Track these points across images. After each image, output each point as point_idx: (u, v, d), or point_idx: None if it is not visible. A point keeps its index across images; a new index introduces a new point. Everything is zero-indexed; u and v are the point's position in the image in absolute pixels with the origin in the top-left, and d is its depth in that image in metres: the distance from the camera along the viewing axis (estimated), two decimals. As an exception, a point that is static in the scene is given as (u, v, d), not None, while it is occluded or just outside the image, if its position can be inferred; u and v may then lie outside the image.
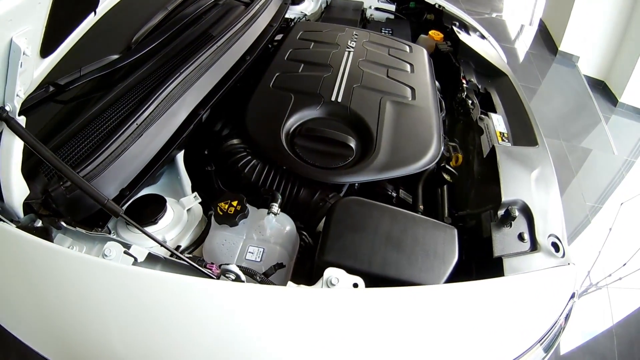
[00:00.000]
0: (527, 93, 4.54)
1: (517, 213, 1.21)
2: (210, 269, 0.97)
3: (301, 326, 0.92)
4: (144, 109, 1.19)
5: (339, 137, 1.44)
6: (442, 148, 1.55)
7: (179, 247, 1.15)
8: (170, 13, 1.75)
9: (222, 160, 1.42)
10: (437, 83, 2.11)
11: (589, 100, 4.61)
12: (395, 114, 1.59)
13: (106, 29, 1.43)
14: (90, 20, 1.18)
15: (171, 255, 1.00)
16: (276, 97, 1.58)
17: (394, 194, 1.44)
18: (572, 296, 1.24)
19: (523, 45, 5.46)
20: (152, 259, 1.00)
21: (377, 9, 2.81)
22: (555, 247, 1.26)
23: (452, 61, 2.19)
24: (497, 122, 1.77)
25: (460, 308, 1.03)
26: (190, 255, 1.06)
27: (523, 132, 1.73)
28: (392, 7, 2.78)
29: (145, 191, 1.25)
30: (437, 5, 2.61)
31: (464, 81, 2.01)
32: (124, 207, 1.12)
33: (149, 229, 1.07)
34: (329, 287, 0.97)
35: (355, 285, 0.99)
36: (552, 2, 5.66)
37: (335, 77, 1.71)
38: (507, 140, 1.67)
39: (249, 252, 1.14)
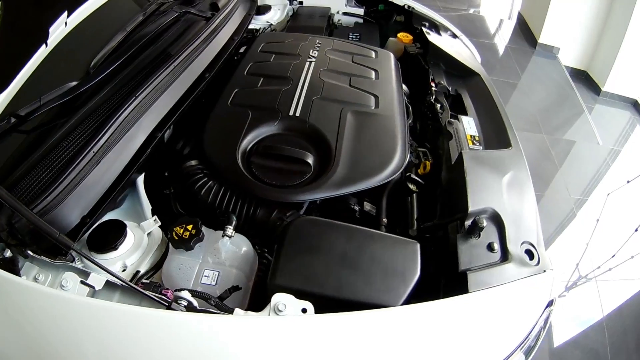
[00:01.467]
0: (507, 88, 4.58)
1: (485, 223, 1.15)
2: (165, 295, 0.97)
3: (245, 356, 0.90)
4: (100, 136, 1.18)
5: (295, 154, 1.39)
6: (408, 156, 1.49)
7: (138, 272, 1.14)
8: (129, 34, 1.70)
9: (181, 182, 1.39)
10: (405, 87, 2.05)
11: (571, 90, 4.58)
12: (357, 124, 1.52)
13: (65, 55, 1.49)
14: (42, 52, 1.27)
15: (131, 280, 1.04)
16: (234, 115, 1.53)
17: (357, 208, 1.39)
18: (550, 303, 1.17)
19: (502, 40, 5.42)
20: (110, 287, 1.02)
21: (345, 13, 2.74)
22: (530, 254, 1.20)
23: (421, 64, 2.12)
24: (468, 125, 1.70)
25: (421, 330, 0.98)
26: (148, 282, 1.08)
27: (496, 134, 1.67)
28: (361, 11, 2.72)
29: (108, 216, 1.23)
30: (406, 6, 2.55)
31: (432, 84, 1.95)
32: (87, 234, 1.12)
33: (110, 255, 1.10)
34: (276, 313, 0.94)
35: (304, 311, 0.95)
36: (528, -5, 5.64)
37: (294, 90, 1.65)
38: (478, 144, 1.61)
39: (205, 275, 1.13)
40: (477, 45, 5.10)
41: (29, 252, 1.02)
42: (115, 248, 1.10)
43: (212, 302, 1.02)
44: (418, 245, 1.14)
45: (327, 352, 0.91)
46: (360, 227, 1.17)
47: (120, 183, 1.21)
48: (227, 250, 1.17)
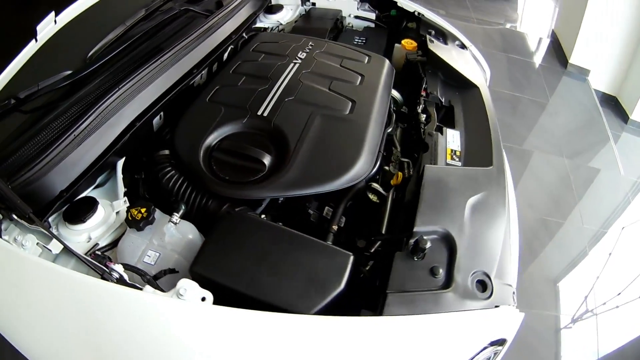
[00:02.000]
0: (533, 107, 4.38)
1: (428, 244, 1.06)
2: (108, 266, 1.05)
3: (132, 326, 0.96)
4: (82, 121, 1.30)
5: (251, 152, 1.42)
6: (377, 165, 1.45)
7: (97, 244, 1.25)
8: (129, 29, 1.81)
9: (150, 168, 1.49)
10: (397, 95, 1.97)
11: (599, 116, 4.32)
12: (323, 128, 1.50)
13: (66, 45, 1.66)
14: (32, 47, 1.49)
15: (88, 253, 1.17)
16: (208, 111, 1.58)
17: (312, 212, 1.40)
18: (498, 342, 1.06)
19: (534, 58, 5.20)
20: (67, 254, 1.13)
21: (356, 17, 2.67)
22: (482, 286, 1.09)
23: (419, 72, 2.02)
24: (452, 139, 1.60)
25: (315, 344, 0.93)
26: (99, 253, 1.19)
27: (480, 151, 1.55)
28: (372, 16, 2.64)
29: (93, 193, 1.38)
30: (416, 13, 2.44)
31: (424, 93, 1.85)
32: (64, 207, 1.27)
33: (79, 226, 1.23)
34: (178, 297, 0.97)
35: (203, 299, 0.98)
36: (564, 12, 5.37)
37: (269, 90, 1.66)
38: (457, 159, 1.51)
39: (147, 255, 1.22)
40: (508, 62, 4.99)
41: (14, 215, 1.16)
42: (83, 221, 1.23)
43: (145, 278, 1.10)
44: (351, 258, 1.11)
45: (209, 342, 0.92)
46: (294, 232, 1.17)
47: (97, 164, 1.32)
48: (171, 235, 1.25)
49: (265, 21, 2.62)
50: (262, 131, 1.50)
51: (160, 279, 1.14)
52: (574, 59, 4.76)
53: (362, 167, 1.39)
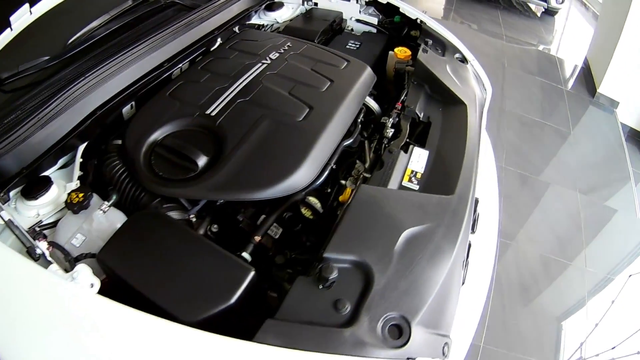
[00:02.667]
0: (554, 135, 4.10)
1: (334, 274, 0.91)
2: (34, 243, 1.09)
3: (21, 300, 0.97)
4: (47, 105, 1.38)
5: (186, 151, 1.39)
6: (320, 178, 1.35)
7: (40, 221, 1.31)
8: (113, 18, 1.85)
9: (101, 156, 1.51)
10: (374, 105, 1.80)
11: (622, 152, 4.00)
12: (269, 133, 1.42)
13: (47, 32, 1.71)
14: (6, 35, 1.53)
15: (30, 228, 1.25)
16: (164, 105, 1.56)
17: (241, 218, 1.35)
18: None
19: (562, 84, 4.90)
20: (8, 229, 1.14)
21: (357, 20, 2.51)
22: (397, 331, 0.92)
23: (404, 82, 1.86)
24: (417, 159, 1.42)
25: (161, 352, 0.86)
26: (38, 229, 1.27)
27: (446, 176, 1.37)
28: (374, 20, 2.47)
29: (57, 174, 1.45)
30: (418, 20, 2.27)
31: (399, 105, 1.68)
32: (24, 183, 1.32)
33: (32, 202, 1.29)
34: (72, 279, 0.99)
35: (91, 286, 1.00)
36: (598, 39, 5.04)
37: (226, 90, 1.60)
38: (415, 182, 1.33)
39: (75, 237, 1.27)
40: (534, 85, 4.71)
41: None
42: (35, 198, 1.29)
43: (66, 258, 1.17)
44: (250, 274, 1.05)
45: (75, 326, 0.90)
46: (200, 237, 1.16)
47: (57, 146, 1.37)
48: (99, 222, 1.30)
49: (265, 18, 2.52)
50: (206, 130, 1.45)
51: (81, 261, 1.17)
52: (603, 89, 4.44)
53: (300, 178, 1.29)
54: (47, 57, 1.59)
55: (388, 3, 2.38)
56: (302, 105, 1.53)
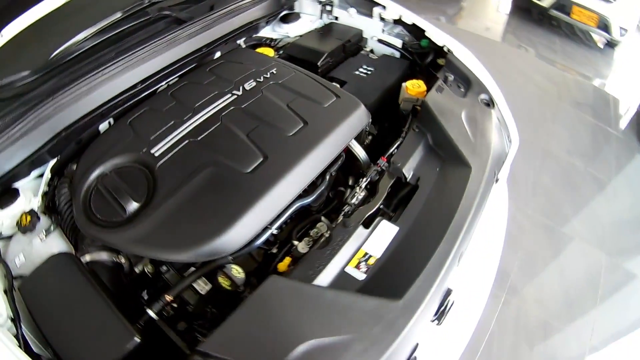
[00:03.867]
0: (591, 183, 3.67)
1: None
2: None
3: None
4: (18, 122, 1.37)
5: (118, 194, 1.30)
6: (255, 242, 1.22)
7: (0, 233, 1.34)
8: (100, 32, 1.72)
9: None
10: (360, 153, 1.55)
11: (663, 214, 3.53)
12: (207, 185, 1.25)
13: (31, 44, 1.62)
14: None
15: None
16: (120, 134, 1.47)
17: (165, 269, 1.25)
18: None
19: (612, 126, 4.40)
20: None
21: (379, 40, 2.23)
22: None
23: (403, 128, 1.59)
24: (380, 237, 1.18)
25: None
26: None
27: (405, 270, 1.11)
28: (398, 42, 2.18)
29: (31, 184, 1.49)
30: (445, 49, 1.96)
31: (383, 160, 1.42)
32: None
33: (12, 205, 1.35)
34: None
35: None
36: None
37: (180, 125, 1.45)
38: (362, 270, 1.12)
39: (18, 257, 1.30)
40: (580, 122, 4.27)
41: None
42: (1, 208, 1.33)
43: (7, 276, 1.18)
44: (132, 341, 1.01)
45: None
46: (96, 293, 1.11)
47: (26, 161, 1.38)
48: (37, 249, 1.31)
49: (279, 31, 2.29)
50: (148, 170, 1.33)
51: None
52: (655, 140, 3.95)
53: (227, 241, 1.13)
54: (28, 72, 1.54)
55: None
56: (255, 153, 1.32)
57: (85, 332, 1.04)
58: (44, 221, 1.38)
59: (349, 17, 2.26)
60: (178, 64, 1.77)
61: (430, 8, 6.06)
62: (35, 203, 1.42)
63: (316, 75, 1.75)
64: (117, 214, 1.24)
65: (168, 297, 1.14)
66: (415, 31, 2.12)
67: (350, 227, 1.19)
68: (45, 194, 1.46)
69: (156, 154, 1.36)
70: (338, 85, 1.82)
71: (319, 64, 2.00)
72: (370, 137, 1.81)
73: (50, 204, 1.44)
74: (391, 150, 1.54)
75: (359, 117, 1.59)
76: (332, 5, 2.27)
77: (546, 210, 3.28)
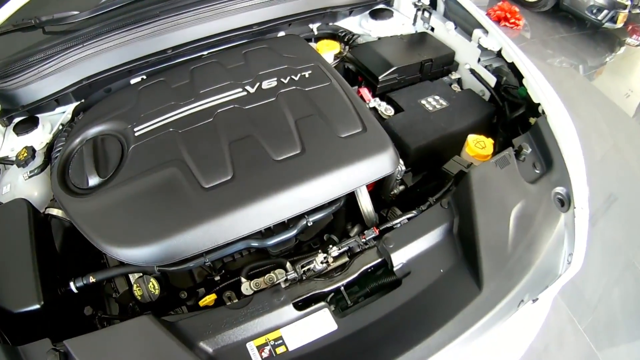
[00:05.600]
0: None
1: None
2: None
3: None
4: (49, 60, 1.45)
5: (86, 163, 1.24)
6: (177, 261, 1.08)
7: (7, 157, 1.41)
8: None
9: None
10: (366, 208, 1.26)
11: None
12: (162, 186, 1.12)
13: None
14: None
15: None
16: (125, 100, 1.40)
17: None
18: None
19: None
20: None
21: (471, 70, 1.73)
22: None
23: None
24: (311, 325, 0.86)
25: None
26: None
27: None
28: (492, 80, 1.66)
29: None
30: (540, 110, 1.43)
31: (375, 232, 1.06)
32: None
33: (15, 137, 1.45)
34: None
35: None
36: None
37: (174, 109, 1.30)
38: (267, 354, 0.88)
39: (6, 186, 1.33)
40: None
41: None
42: (17, 134, 1.45)
43: None
44: (34, 305, 0.97)
45: None
46: (31, 246, 1.06)
47: (52, 97, 1.47)
48: (20, 185, 1.33)
49: (365, 26, 1.92)
50: (122, 150, 1.25)
51: None
52: None
53: (153, 254, 1.02)
54: (76, 12, 1.49)
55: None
56: (225, 168, 1.12)
57: (3, 277, 1.01)
58: (38, 161, 1.35)
59: (446, 32, 1.78)
60: (228, 35, 1.58)
61: (568, 51, 4.94)
62: (46, 140, 1.45)
63: (355, 94, 1.37)
64: (81, 182, 1.19)
65: (92, 279, 1.11)
66: (516, 70, 1.57)
67: (277, 301, 0.93)
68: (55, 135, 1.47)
69: (137, 134, 1.25)
70: (392, 111, 1.51)
71: (380, 78, 1.60)
72: (401, 188, 1.40)
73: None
74: (394, 223, 1.14)
75: (381, 163, 1.20)
76: (430, 13, 1.80)
77: (598, 334, 2.45)
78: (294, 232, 1.15)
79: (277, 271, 1.09)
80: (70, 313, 1.09)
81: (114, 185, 1.13)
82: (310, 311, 0.95)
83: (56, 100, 1.48)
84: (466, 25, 1.70)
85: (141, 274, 1.13)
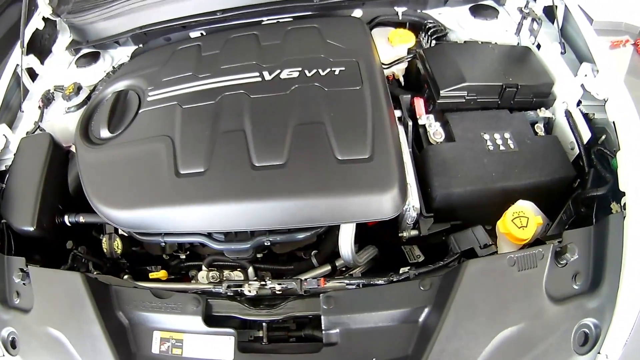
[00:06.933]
0: None
1: None
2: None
3: None
4: (111, 4, 1.51)
5: (102, 114, 1.29)
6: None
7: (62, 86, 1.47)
8: None
9: None
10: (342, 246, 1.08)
11: None
12: (147, 160, 1.14)
13: None
14: None
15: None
16: (161, 58, 1.42)
17: None
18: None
19: None
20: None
21: (567, 113, 1.30)
22: None
23: None
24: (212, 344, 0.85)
25: None
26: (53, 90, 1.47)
27: None
28: (587, 136, 1.23)
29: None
30: (622, 204, 1.01)
31: (321, 284, 0.95)
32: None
33: (76, 69, 1.58)
34: None
35: None
36: None
37: (189, 81, 1.24)
38: (165, 348, 0.94)
39: (50, 115, 1.44)
40: None
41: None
42: (77, 66, 1.57)
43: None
44: (27, 227, 1.13)
45: None
46: (41, 175, 1.19)
47: (112, 39, 1.55)
48: (58, 116, 1.44)
49: (461, 23, 1.54)
50: (136, 110, 1.25)
51: None
52: None
53: (124, 219, 1.09)
54: None
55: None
56: (202, 158, 1.07)
57: (16, 198, 1.17)
58: (80, 98, 1.40)
59: (553, 56, 1.35)
60: (288, 4, 1.42)
61: None
62: (107, 69, 1.55)
63: (385, 110, 1.10)
64: (96, 132, 1.21)
65: (82, 218, 1.20)
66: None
67: (191, 308, 0.94)
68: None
69: (149, 99, 1.23)
70: (443, 136, 1.24)
71: (442, 92, 1.28)
72: (414, 234, 1.16)
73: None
74: (348, 283, 0.96)
75: (376, 204, 0.99)
76: (539, 23, 1.36)
77: None
78: (247, 245, 1.08)
79: (234, 273, 1.10)
80: (60, 242, 1.22)
81: (117, 144, 1.16)
82: (216, 332, 0.93)
83: (117, 42, 1.57)
84: (582, 52, 1.27)
85: (112, 232, 1.22)
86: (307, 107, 1.09)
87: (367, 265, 1.19)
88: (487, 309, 0.86)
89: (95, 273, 1.15)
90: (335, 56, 1.20)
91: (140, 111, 1.21)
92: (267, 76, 1.18)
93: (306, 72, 1.16)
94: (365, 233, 1.19)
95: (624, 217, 0.95)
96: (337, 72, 1.16)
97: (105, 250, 1.20)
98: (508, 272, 0.88)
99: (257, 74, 1.19)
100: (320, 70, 1.16)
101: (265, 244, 1.07)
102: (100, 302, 0.94)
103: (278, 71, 1.18)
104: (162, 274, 1.17)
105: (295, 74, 1.16)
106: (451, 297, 0.86)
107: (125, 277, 1.19)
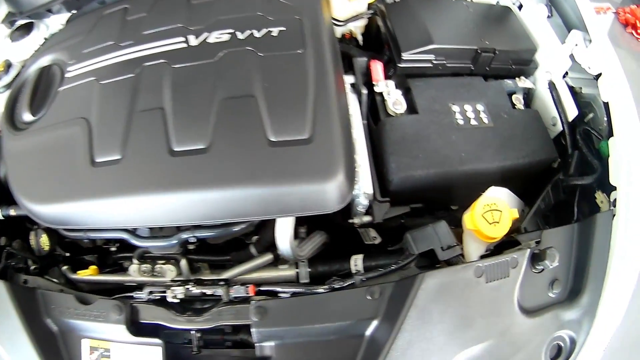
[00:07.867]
0: None
1: None
2: None
3: None
4: None
5: (22, 97, 1.13)
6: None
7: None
8: None
9: None
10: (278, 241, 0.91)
11: None
12: (64, 144, 0.98)
13: None
14: None
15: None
16: (84, 27, 1.23)
17: None
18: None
19: None
20: None
21: (550, 84, 1.11)
22: None
23: None
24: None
25: None
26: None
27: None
28: (574, 112, 1.05)
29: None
30: (612, 201, 0.85)
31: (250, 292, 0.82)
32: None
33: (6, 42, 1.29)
34: None
35: None
36: None
37: (109, 52, 1.06)
38: (96, 356, 0.87)
39: None
40: None
41: None
42: (10, 39, 1.28)
43: None
44: None
45: None
46: None
47: (45, 6, 1.29)
48: None
49: None
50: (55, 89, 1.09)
51: None
52: None
53: (41, 213, 0.93)
54: None
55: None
56: (119, 146, 0.91)
57: None
58: (9, 77, 1.21)
59: (537, 19, 1.14)
60: None
61: None
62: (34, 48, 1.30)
63: (331, 80, 0.89)
64: (19, 115, 1.05)
65: (13, 212, 1.05)
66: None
67: (114, 316, 0.84)
68: None
69: (68, 75, 1.06)
70: (404, 108, 1.05)
71: (404, 55, 1.07)
72: (366, 220, 0.98)
73: None
74: (283, 291, 0.86)
75: (314, 195, 0.81)
76: (522, -19, 1.15)
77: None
78: (171, 242, 0.93)
79: (167, 266, 0.95)
80: None
81: (37, 128, 1.00)
82: (142, 342, 0.85)
83: (50, 10, 1.33)
84: (571, 18, 1.07)
85: (37, 228, 1.08)
86: (236, 76, 0.89)
87: (315, 252, 1.03)
88: (447, 325, 0.71)
89: (32, 268, 1.04)
90: (275, 14, 0.98)
91: (60, 89, 1.04)
92: (193, 41, 0.97)
93: (238, 34, 0.94)
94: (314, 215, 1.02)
95: (614, 216, 0.79)
96: (275, 33, 0.94)
97: (32, 247, 1.06)
98: (474, 284, 0.72)
99: (182, 38, 0.98)
100: (255, 32, 0.94)
101: (190, 240, 0.91)
102: (26, 310, 0.86)
103: (205, 34, 0.97)
104: (91, 270, 1.03)
105: (226, 37, 0.95)
106: (405, 310, 0.70)
107: (64, 267, 1.06)
